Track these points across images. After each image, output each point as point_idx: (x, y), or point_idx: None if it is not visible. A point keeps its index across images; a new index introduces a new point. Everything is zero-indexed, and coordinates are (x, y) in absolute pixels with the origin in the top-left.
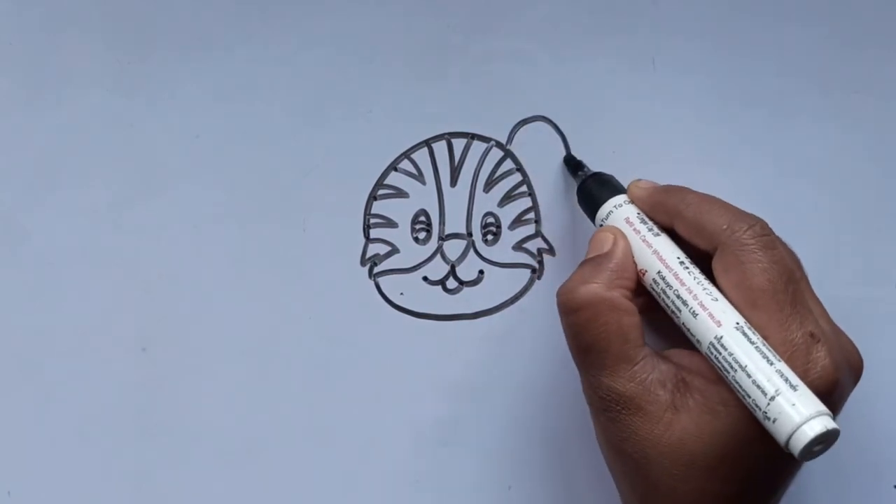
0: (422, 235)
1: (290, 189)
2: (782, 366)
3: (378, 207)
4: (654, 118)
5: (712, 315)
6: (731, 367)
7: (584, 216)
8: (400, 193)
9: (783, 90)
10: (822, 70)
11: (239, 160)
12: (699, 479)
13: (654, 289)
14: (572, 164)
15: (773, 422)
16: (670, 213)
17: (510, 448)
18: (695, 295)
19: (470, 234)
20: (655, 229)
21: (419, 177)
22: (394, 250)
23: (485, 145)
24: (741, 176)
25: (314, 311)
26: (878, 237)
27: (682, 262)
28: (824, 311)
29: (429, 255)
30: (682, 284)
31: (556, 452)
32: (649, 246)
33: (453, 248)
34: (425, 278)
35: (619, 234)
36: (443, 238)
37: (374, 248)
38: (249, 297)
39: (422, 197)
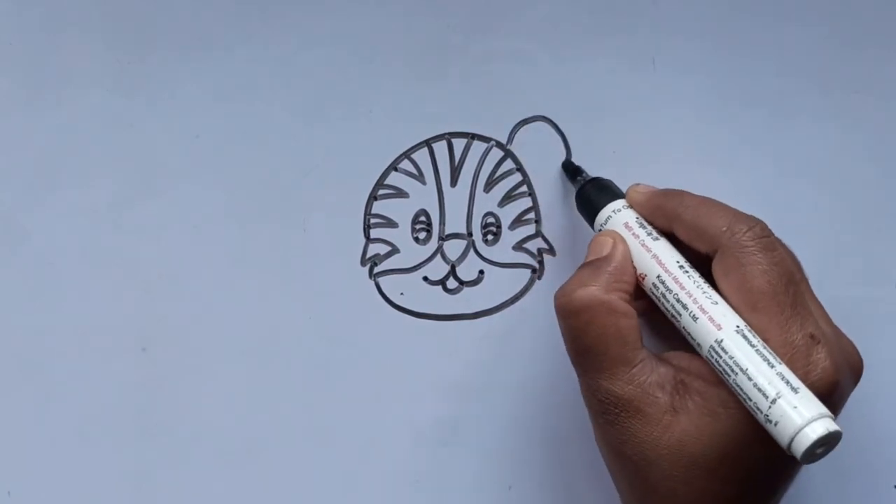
0: (422, 235)
1: (290, 189)
2: (783, 368)
3: (378, 207)
4: (654, 118)
5: (712, 318)
6: (732, 371)
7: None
8: (400, 193)
9: (783, 90)
10: (822, 70)
11: (239, 160)
12: (699, 481)
13: (653, 293)
14: (570, 170)
15: (775, 425)
16: (669, 217)
17: (510, 448)
18: (694, 298)
19: (470, 234)
20: (654, 233)
21: (419, 177)
22: (394, 250)
23: (485, 145)
24: (741, 176)
25: (314, 311)
26: (878, 237)
27: (681, 266)
28: (824, 312)
29: (429, 255)
30: (682, 288)
31: (556, 452)
32: (648, 250)
33: (453, 248)
34: (425, 278)
35: (618, 237)
36: (443, 238)
37: (374, 248)
38: (249, 297)
39: (422, 197)
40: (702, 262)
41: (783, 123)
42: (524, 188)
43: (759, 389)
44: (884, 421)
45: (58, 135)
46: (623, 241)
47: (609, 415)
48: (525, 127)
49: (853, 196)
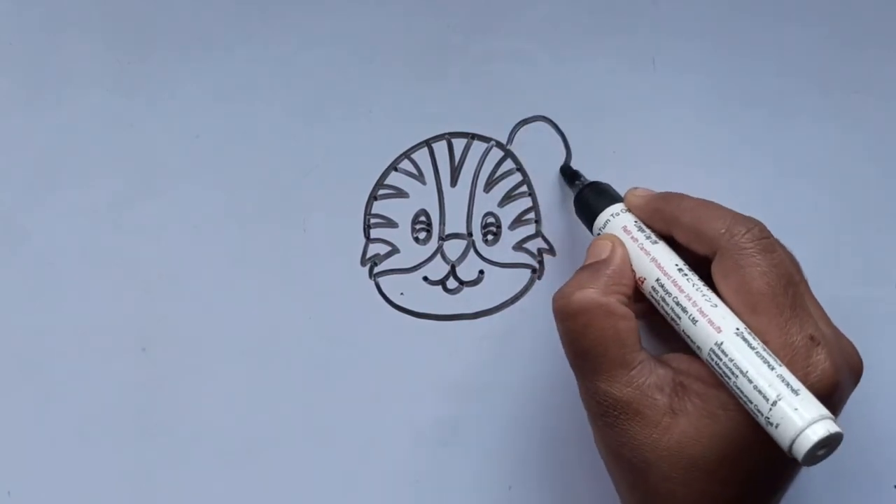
0: (422, 235)
1: (290, 189)
2: (783, 370)
3: (378, 207)
4: (654, 118)
5: (712, 321)
6: (733, 373)
7: None
8: (400, 193)
9: (783, 90)
10: (822, 70)
11: (239, 160)
12: (698, 483)
13: (653, 296)
14: (568, 174)
15: (776, 427)
16: (668, 221)
17: (510, 448)
18: (694, 301)
19: (470, 234)
20: (653, 237)
21: (419, 177)
22: (394, 250)
23: (485, 145)
24: (741, 176)
25: (314, 311)
26: (878, 237)
27: (680, 269)
28: (824, 313)
29: (429, 255)
30: (681, 291)
31: (556, 452)
32: (647, 254)
33: (453, 248)
34: (425, 278)
35: (616, 241)
36: (443, 238)
37: (374, 248)
38: (249, 297)
39: (422, 197)
40: (701, 265)
41: (783, 123)
42: (524, 188)
43: (760, 392)
44: (884, 421)
45: (58, 135)
46: (622, 244)
47: (608, 417)
48: (525, 127)
49: (853, 196)
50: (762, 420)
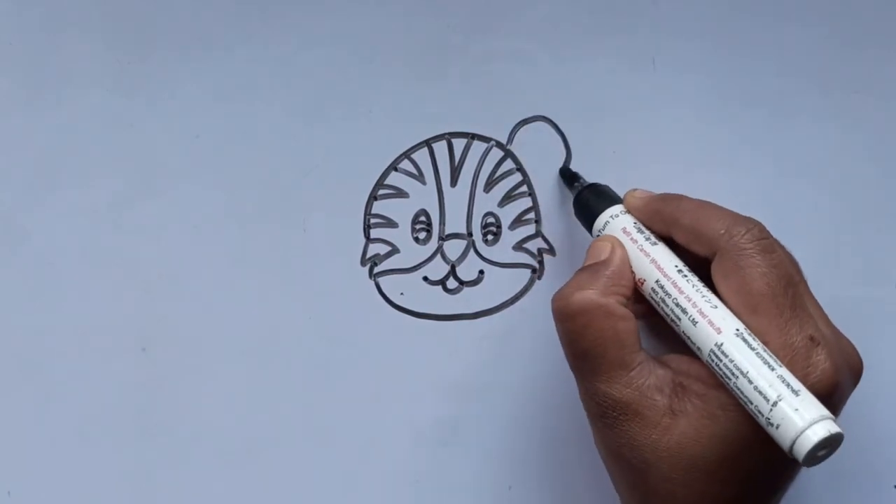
0: (422, 235)
1: (290, 189)
2: (784, 371)
3: (378, 207)
4: (654, 118)
5: (712, 322)
6: (733, 374)
7: None
8: (400, 193)
9: (783, 90)
10: (822, 70)
11: (239, 160)
12: (698, 483)
13: (652, 298)
14: (567, 176)
15: (777, 427)
16: (667, 222)
17: (510, 448)
18: (694, 303)
19: (470, 234)
20: (653, 238)
21: (419, 177)
22: (394, 250)
23: (485, 145)
24: (741, 176)
25: (314, 311)
26: (878, 237)
27: (679, 271)
28: (823, 313)
29: (429, 255)
30: (681, 293)
31: (556, 452)
32: (647, 255)
33: (453, 248)
34: (425, 278)
35: (616, 242)
36: (443, 238)
37: (374, 248)
38: (249, 297)
39: (422, 197)
40: (700, 266)
41: (783, 123)
42: (524, 188)
43: (760, 392)
44: (884, 421)
45: (58, 135)
46: (621, 245)
47: (607, 418)
48: (525, 127)
49: (853, 196)
50: (763, 421)
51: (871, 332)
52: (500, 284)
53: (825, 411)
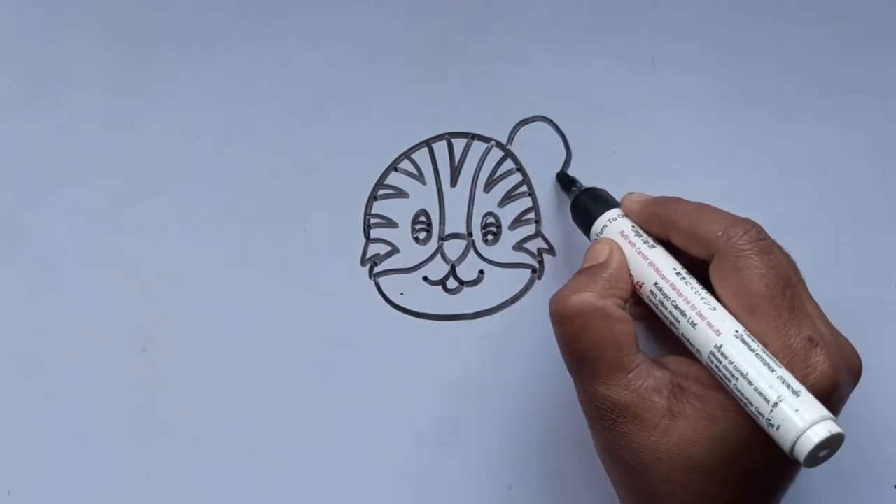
0: (422, 235)
1: (290, 189)
2: (784, 372)
3: (378, 207)
4: (654, 118)
5: (711, 324)
6: (733, 376)
7: None
8: (400, 193)
9: (783, 90)
10: (822, 70)
11: (239, 160)
12: (698, 484)
13: (651, 301)
14: (565, 181)
15: (777, 428)
16: (665, 225)
17: (510, 448)
18: (692, 305)
19: (470, 234)
20: (651, 241)
21: (419, 177)
22: (394, 250)
23: (485, 145)
24: (741, 176)
25: (314, 311)
26: (878, 237)
27: (678, 273)
28: (822, 313)
29: (429, 255)
30: (680, 295)
31: (556, 452)
32: (645, 258)
33: (453, 248)
34: (425, 278)
35: (614, 245)
36: (443, 238)
37: (374, 248)
38: (249, 297)
39: (422, 197)
40: (698, 268)
41: (783, 123)
42: (524, 188)
43: (761, 393)
44: (884, 421)
45: (58, 135)
46: (619, 248)
47: (606, 420)
48: (525, 127)
49: (853, 196)
50: (763, 422)
51: (870, 332)
52: (500, 284)
53: (826, 412)
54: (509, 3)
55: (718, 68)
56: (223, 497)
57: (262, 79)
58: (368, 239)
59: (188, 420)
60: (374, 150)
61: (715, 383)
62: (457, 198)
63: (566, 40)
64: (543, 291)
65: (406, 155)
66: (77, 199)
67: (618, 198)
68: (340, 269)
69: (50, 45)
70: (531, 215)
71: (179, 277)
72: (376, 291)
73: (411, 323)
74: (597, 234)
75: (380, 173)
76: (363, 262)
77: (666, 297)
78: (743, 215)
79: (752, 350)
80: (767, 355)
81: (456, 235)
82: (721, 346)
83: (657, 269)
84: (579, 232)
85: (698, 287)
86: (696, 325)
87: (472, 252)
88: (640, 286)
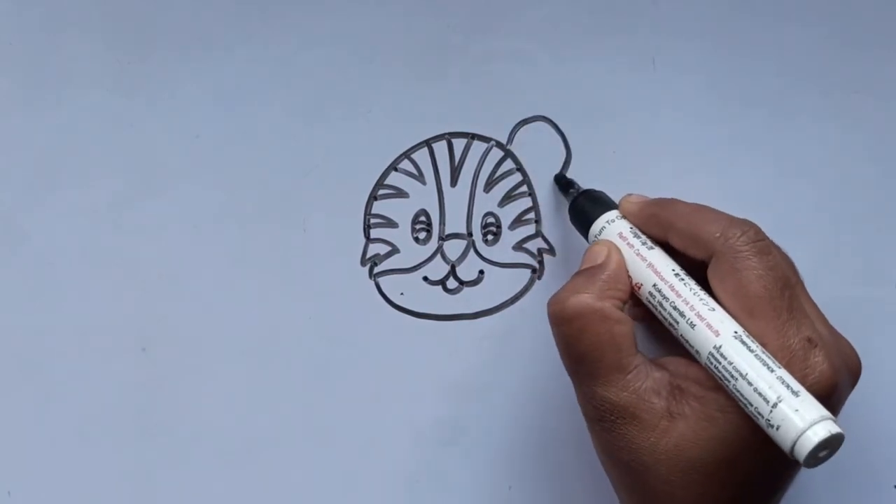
0: (422, 235)
1: (290, 189)
2: (783, 372)
3: (378, 207)
4: (654, 118)
5: (710, 325)
6: (732, 376)
7: None
8: (400, 193)
9: (783, 90)
10: (822, 70)
11: (239, 160)
12: (697, 485)
13: (650, 302)
14: (563, 183)
15: (777, 429)
16: (663, 226)
17: (510, 448)
18: (691, 306)
19: (470, 234)
20: (649, 243)
21: (419, 177)
22: (394, 250)
23: (485, 145)
24: (741, 176)
25: (314, 311)
26: (878, 237)
27: (677, 274)
28: (820, 314)
29: (429, 255)
30: (679, 296)
31: (556, 452)
32: (644, 259)
33: (453, 248)
34: (425, 278)
35: (612, 246)
36: (443, 238)
37: (374, 248)
38: (249, 296)
39: (422, 197)
40: (697, 269)
41: (783, 123)
42: (524, 188)
43: (760, 394)
44: (883, 421)
45: (58, 135)
46: (617, 249)
47: (605, 422)
48: (525, 127)
49: (853, 196)
50: (763, 422)
51: (870, 333)
52: (500, 284)
53: (825, 412)
54: (509, 3)
55: (718, 68)
56: (223, 497)
57: (262, 79)
58: (368, 239)
59: (188, 420)
60: (374, 150)
61: (714, 384)
62: (457, 198)
63: (566, 40)
64: (543, 291)
65: (406, 155)
66: (77, 199)
67: (616, 199)
68: (340, 269)
69: (50, 45)
70: (531, 215)
71: (179, 277)
72: (376, 291)
73: (411, 323)
74: (595, 236)
75: (380, 173)
76: (363, 262)
77: (665, 298)
78: (743, 215)
79: (752, 351)
80: (767, 356)
81: (456, 235)
82: (720, 346)
83: (656, 271)
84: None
85: (697, 288)
86: (694, 325)
87: (472, 252)
88: (639, 287)
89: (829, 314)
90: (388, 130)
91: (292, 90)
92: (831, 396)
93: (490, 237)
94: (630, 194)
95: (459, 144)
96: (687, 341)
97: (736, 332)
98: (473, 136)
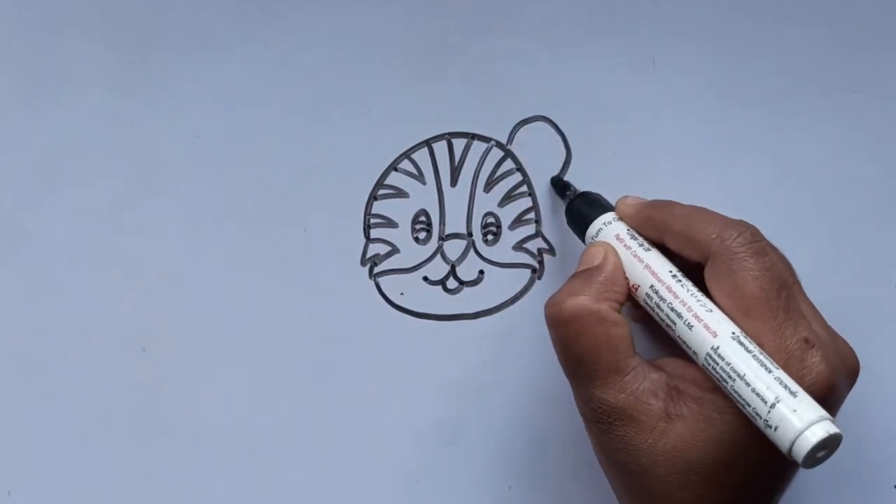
0: (422, 235)
1: (290, 189)
2: (781, 373)
3: (378, 207)
4: (654, 118)
5: (707, 326)
6: (730, 377)
7: None
8: (400, 193)
9: (783, 90)
10: (822, 70)
11: (239, 160)
12: (696, 486)
13: (647, 303)
14: (559, 186)
15: (775, 429)
16: (659, 228)
17: (510, 448)
18: (689, 307)
19: (470, 234)
20: (646, 244)
21: (419, 177)
22: (394, 250)
23: (485, 145)
24: (741, 176)
25: (314, 311)
26: (878, 237)
27: (674, 276)
28: (818, 314)
29: (429, 255)
30: (676, 297)
31: (556, 452)
32: (641, 261)
33: (453, 248)
34: (425, 278)
35: (609, 248)
36: (443, 238)
37: (374, 248)
38: (249, 296)
39: (422, 197)
40: (693, 271)
41: (783, 123)
42: (524, 188)
43: (758, 394)
44: (883, 421)
45: (58, 135)
46: (614, 251)
47: (603, 423)
48: (525, 127)
49: (853, 196)
50: (761, 423)
51: (870, 333)
52: (500, 284)
53: (823, 412)
54: (509, 3)
55: (718, 68)
56: (223, 497)
57: (262, 79)
58: (368, 239)
59: (188, 420)
60: (374, 150)
61: (711, 385)
62: (457, 198)
63: (566, 40)
64: (543, 291)
65: (406, 155)
66: (77, 199)
67: (615, 199)
68: (340, 269)
69: (50, 45)
70: (531, 215)
71: (179, 277)
72: (376, 291)
73: (411, 323)
74: (592, 238)
75: (380, 173)
76: (363, 262)
77: (662, 299)
78: (743, 215)
79: (749, 351)
80: (764, 356)
81: (456, 235)
82: (718, 347)
83: (653, 272)
84: None
85: (694, 289)
86: (692, 327)
87: (472, 252)
88: (636, 289)
89: (829, 314)
90: (388, 130)
91: (292, 90)
92: (829, 397)
93: (490, 237)
94: (626, 196)
95: (459, 144)
96: (684, 342)
97: (733, 333)
98: (473, 136)
